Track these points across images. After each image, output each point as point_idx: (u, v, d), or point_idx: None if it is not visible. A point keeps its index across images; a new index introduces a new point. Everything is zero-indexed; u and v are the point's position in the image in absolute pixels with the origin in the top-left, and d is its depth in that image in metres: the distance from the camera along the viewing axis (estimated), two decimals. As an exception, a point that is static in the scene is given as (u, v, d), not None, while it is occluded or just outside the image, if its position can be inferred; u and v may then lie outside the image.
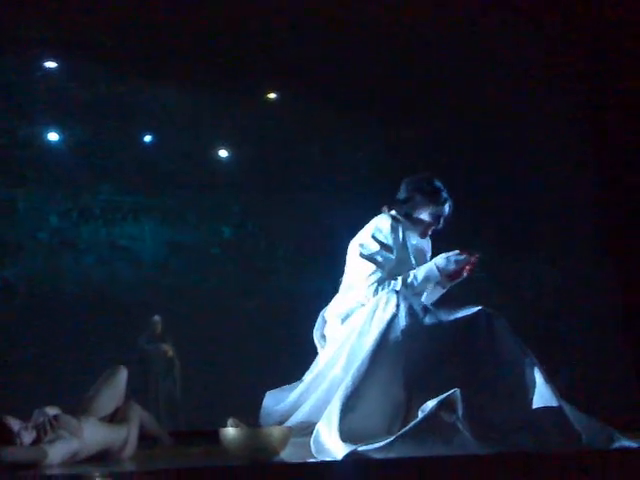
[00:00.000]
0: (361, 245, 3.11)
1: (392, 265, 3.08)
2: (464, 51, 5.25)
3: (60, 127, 4.70)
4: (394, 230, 3.11)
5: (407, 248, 3.16)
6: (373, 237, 3.10)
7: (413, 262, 3.16)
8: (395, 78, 5.16)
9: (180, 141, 4.92)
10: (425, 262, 3.23)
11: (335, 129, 5.15)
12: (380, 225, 3.14)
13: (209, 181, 4.92)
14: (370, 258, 3.07)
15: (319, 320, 3.22)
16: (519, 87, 5.44)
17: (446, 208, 3.18)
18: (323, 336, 3.20)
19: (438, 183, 3.21)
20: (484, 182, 5.27)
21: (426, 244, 3.29)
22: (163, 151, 4.89)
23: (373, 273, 3.04)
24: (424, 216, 3.18)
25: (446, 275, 3.11)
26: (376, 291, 3.02)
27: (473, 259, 3.10)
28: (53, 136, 4.70)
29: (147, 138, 4.89)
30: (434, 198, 3.17)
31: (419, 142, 5.20)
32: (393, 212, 3.21)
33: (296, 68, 5.05)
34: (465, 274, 3.13)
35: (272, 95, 5.20)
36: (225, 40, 4.95)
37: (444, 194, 3.19)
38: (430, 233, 3.24)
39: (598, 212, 5.63)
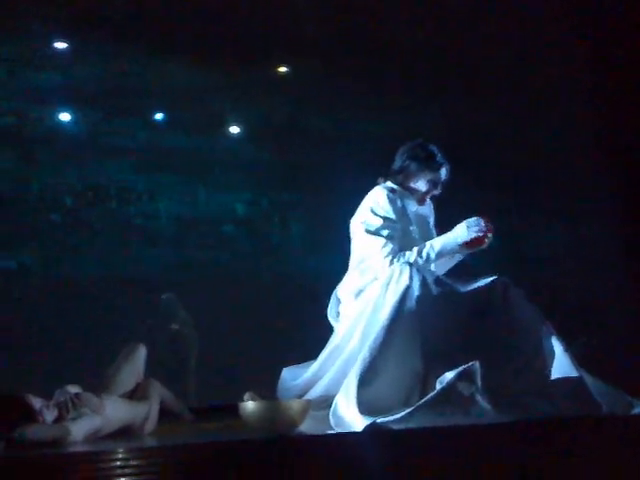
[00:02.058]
0: (364, 222, 3.10)
1: (399, 235, 3.07)
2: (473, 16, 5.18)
3: (72, 107, 4.69)
4: (391, 201, 3.09)
5: (407, 217, 3.14)
6: (373, 212, 3.09)
7: (416, 230, 3.14)
8: (406, 52, 5.10)
9: (191, 118, 4.90)
10: (428, 229, 3.21)
11: (347, 103, 5.10)
12: (377, 198, 3.12)
13: (221, 158, 4.91)
14: (377, 233, 3.06)
15: (332, 299, 3.22)
16: (534, 55, 5.37)
17: (442, 173, 3.14)
18: (338, 314, 3.20)
19: (432, 148, 3.16)
20: (498, 149, 5.23)
21: (428, 210, 3.27)
22: (175, 129, 4.87)
23: (385, 246, 3.03)
24: (420, 184, 3.16)
25: (465, 243, 3.06)
26: (391, 263, 3.01)
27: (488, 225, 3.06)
28: (65, 116, 4.69)
29: (159, 116, 4.88)
30: (429, 164, 3.13)
31: (430, 114, 5.15)
32: (389, 183, 3.18)
33: (307, 42, 5.00)
34: (486, 241, 3.07)
35: (282, 69, 5.16)
36: (235, 15, 4.90)
37: (439, 159, 3.14)
38: (429, 199, 3.21)
39: (614, 182, 5.57)
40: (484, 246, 3.09)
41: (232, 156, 4.94)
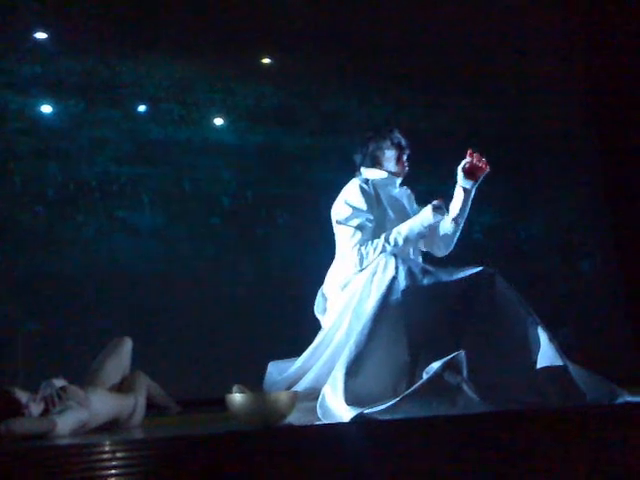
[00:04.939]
0: (336, 213, 3.16)
1: (373, 225, 3.10)
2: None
3: (53, 99, 4.64)
4: (364, 191, 3.14)
5: (383, 205, 3.18)
6: (344, 203, 3.15)
7: (392, 216, 3.18)
8: (396, 45, 5.11)
9: (176, 109, 4.87)
10: (404, 212, 3.25)
11: (335, 96, 5.11)
12: (349, 190, 3.18)
13: (206, 150, 4.88)
14: (346, 223, 3.11)
15: (318, 297, 3.25)
16: (518, 44, 5.40)
17: (397, 134, 3.26)
18: (325, 310, 3.22)
19: (374, 127, 3.33)
20: (483, 142, 5.25)
21: (405, 195, 3.32)
22: (158, 120, 4.84)
23: (353, 236, 3.08)
24: (388, 155, 3.24)
25: (463, 172, 3.11)
26: (359, 252, 3.05)
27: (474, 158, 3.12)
28: (46, 108, 4.65)
29: (141, 107, 4.84)
30: (381, 135, 3.25)
31: (419, 107, 5.17)
32: (364, 174, 3.26)
33: (294, 34, 4.98)
34: (483, 166, 3.13)
35: (266, 60, 5.14)
36: (219, 5, 4.88)
37: (385, 127, 3.29)
38: (407, 165, 3.26)
39: (598, 172, 5.62)
40: (483, 175, 3.14)
41: (217, 148, 4.92)
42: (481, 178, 3.16)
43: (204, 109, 4.94)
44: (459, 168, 3.14)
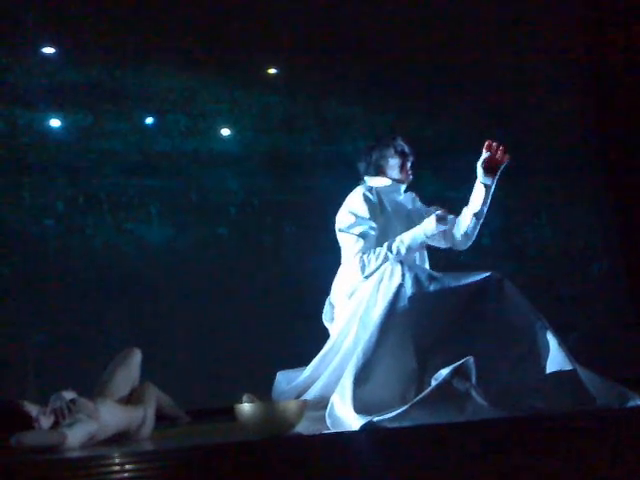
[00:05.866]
0: (339, 222, 3.17)
1: (376, 233, 3.10)
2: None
3: (61, 113, 4.67)
4: (367, 200, 3.15)
5: (387, 212, 3.19)
6: (347, 211, 3.16)
7: (397, 223, 3.19)
8: (393, 47, 5.11)
9: (181, 121, 4.89)
10: (407, 218, 3.25)
11: (339, 104, 5.12)
12: (353, 198, 3.19)
13: (212, 160, 4.90)
14: (348, 230, 3.12)
15: (326, 305, 3.26)
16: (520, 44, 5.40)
17: (399, 141, 3.26)
18: (333, 319, 3.22)
19: (377, 138, 3.35)
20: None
21: (410, 200, 3.32)
22: (164, 132, 4.87)
23: (356, 243, 3.09)
24: (392, 163, 3.25)
25: (483, 168, 3.11)
26: (361, 260, 3.05)
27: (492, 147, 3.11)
28: (54, 122, 4.68)
29: (148, 119, 4.87)
30: (385, 143, 3.26)
31: (423, 114, 5.18)
32: (368, 182, 3.26)
33: (294, 42, 5.00)
34: (502, 159, 3.13)
35: (271, 70, 5.17)
36: (222, 16, 4.90)
37: (387, 136, 3.30)
38: (411, 172, 3.27)
39: (605, 176, 5.60)
40: (502, 167, 3.14)
41: (224, 158, 4.93)
42: (500, 170, 3.16)
43: (210, 120, 4.96)
44: (478, 164, 3.14)
